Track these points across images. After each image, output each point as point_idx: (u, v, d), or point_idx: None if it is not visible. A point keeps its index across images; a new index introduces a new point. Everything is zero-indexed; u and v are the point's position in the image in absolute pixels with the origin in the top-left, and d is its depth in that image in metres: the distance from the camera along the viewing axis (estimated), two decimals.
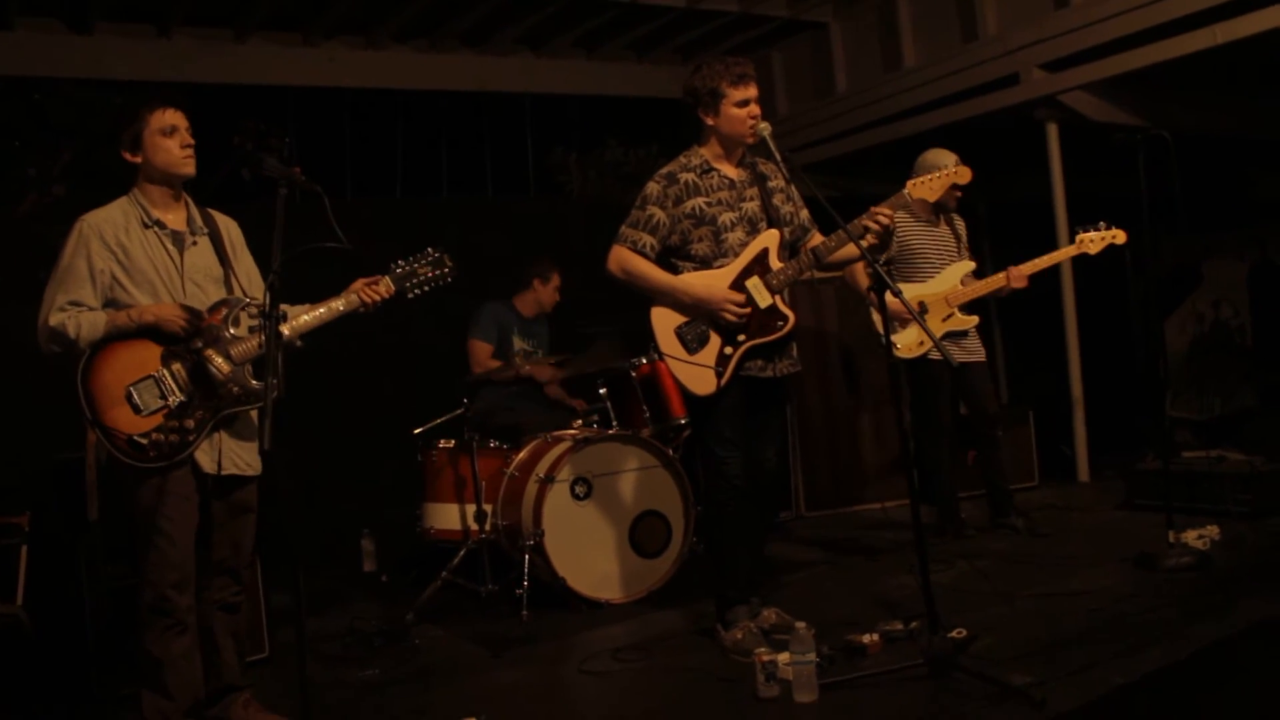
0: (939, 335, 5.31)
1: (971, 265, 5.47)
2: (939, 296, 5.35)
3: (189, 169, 3.41)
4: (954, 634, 3.60)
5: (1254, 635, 3.68)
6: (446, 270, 3.66)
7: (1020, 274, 5.26)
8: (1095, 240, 5.10)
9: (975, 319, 5.41)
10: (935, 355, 5.22)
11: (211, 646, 3.46)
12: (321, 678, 4.00)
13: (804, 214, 4.18)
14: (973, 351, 5.46)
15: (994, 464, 5.61)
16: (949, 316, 5.35)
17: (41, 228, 5.23)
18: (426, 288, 3.64)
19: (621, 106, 8.76)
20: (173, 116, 3.37)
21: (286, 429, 2.78)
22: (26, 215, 6.67)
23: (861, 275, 5.31)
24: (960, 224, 5.61)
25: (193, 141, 3.40)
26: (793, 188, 4.16)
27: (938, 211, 5.48)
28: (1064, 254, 5.30)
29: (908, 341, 5.29)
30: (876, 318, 5.27)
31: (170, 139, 3.36)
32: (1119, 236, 5.08)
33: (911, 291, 5.35)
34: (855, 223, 3.78)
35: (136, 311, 3.27)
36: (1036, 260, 5.30)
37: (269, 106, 7.53)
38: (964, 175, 4.04)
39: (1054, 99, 6.59)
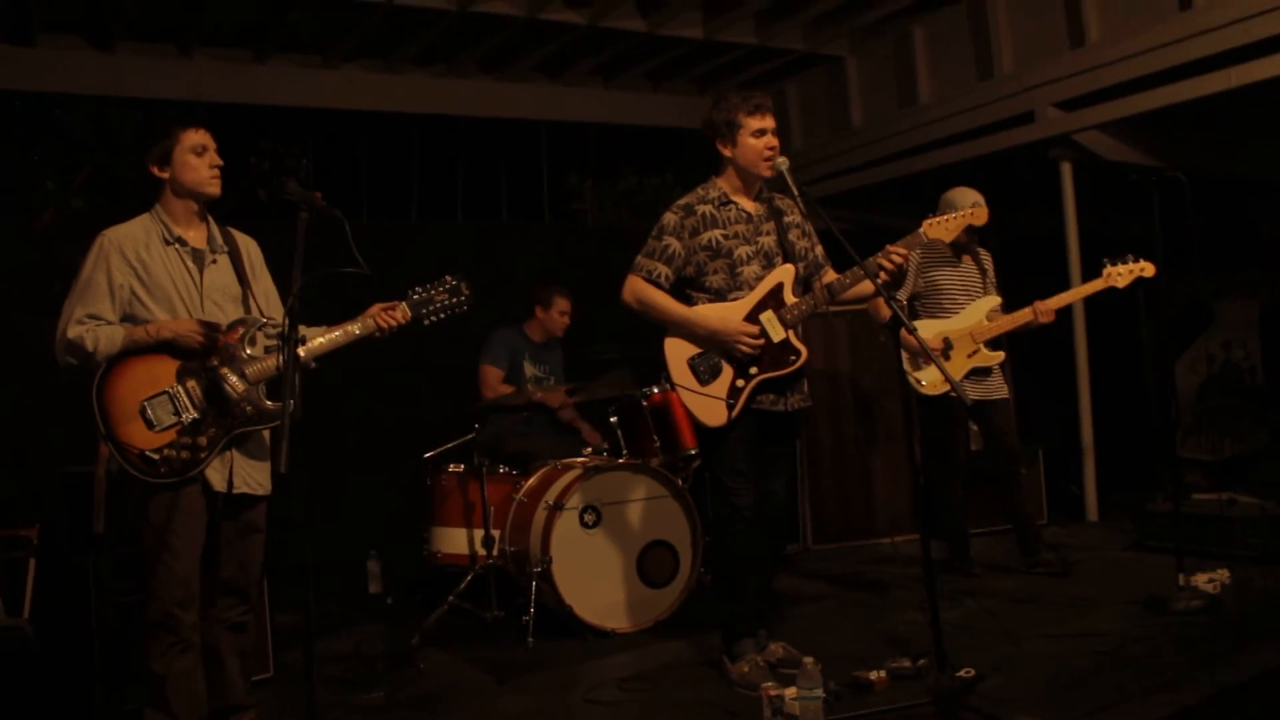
0: (964, 371, 5.29)
1: (997, 300, 5.42)
2: (964, 332, 5.31)
3: (215, 189, 3.44)
4: (962, 673, 3.58)
5: (1265, 681, 3.65)
6: (464, 298, 3.67)
7: (1047, 308, 5.17)
8: (1124, 274, 4.99)
9: (1001, 355, 5.36)
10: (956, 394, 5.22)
11: (217, 665, 3.45)
12: (325, 700, 3.98)
13: (819, 250, 4.20)
14: (995, 389, 5.42)
15: (1017, 502, 5.52)
16: (974, 353, 5.30)
17: (59, 242, 5.26)
18: (443, 315, 3.65)
19: (637, 135, 8.81)
20: (203, 136, 3.42)
21: (297, 450, 2.78)
22: (44, 229, 6.70)
23: (884, 309, 5.30)
24: (987, 258, 5.57)
25: (220, 163, 3.45)
26: (809, 224, 4.18)
27: (958, 251, 5.44)
28: (1091, 288, 5.14)
29: (934, 378, 5.23)
30: (902, 354, 5.29)
31: (200, 158, 3.40)
32: (1148, 269, 4.97)
33: (936, 328, 5.32)
34: (870, 260, 3.79)
35: (155, 327, 3.29)
36: (1063, 295, 5.24)
37: (286, 127, 7.57)
38: (980, 217, 4.04)
39: (1069, 138, 6.61)
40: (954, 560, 5.51)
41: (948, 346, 5.29)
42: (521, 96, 8.14)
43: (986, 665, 3.76)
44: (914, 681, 3.72)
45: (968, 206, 5.13)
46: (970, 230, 5.21)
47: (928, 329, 5.33)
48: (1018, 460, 5.51)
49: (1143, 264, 4.99)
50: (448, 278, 3.67)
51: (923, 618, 3.77)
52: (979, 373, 5.34)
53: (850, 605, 5.15)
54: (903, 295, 5.33)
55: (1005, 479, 5.54)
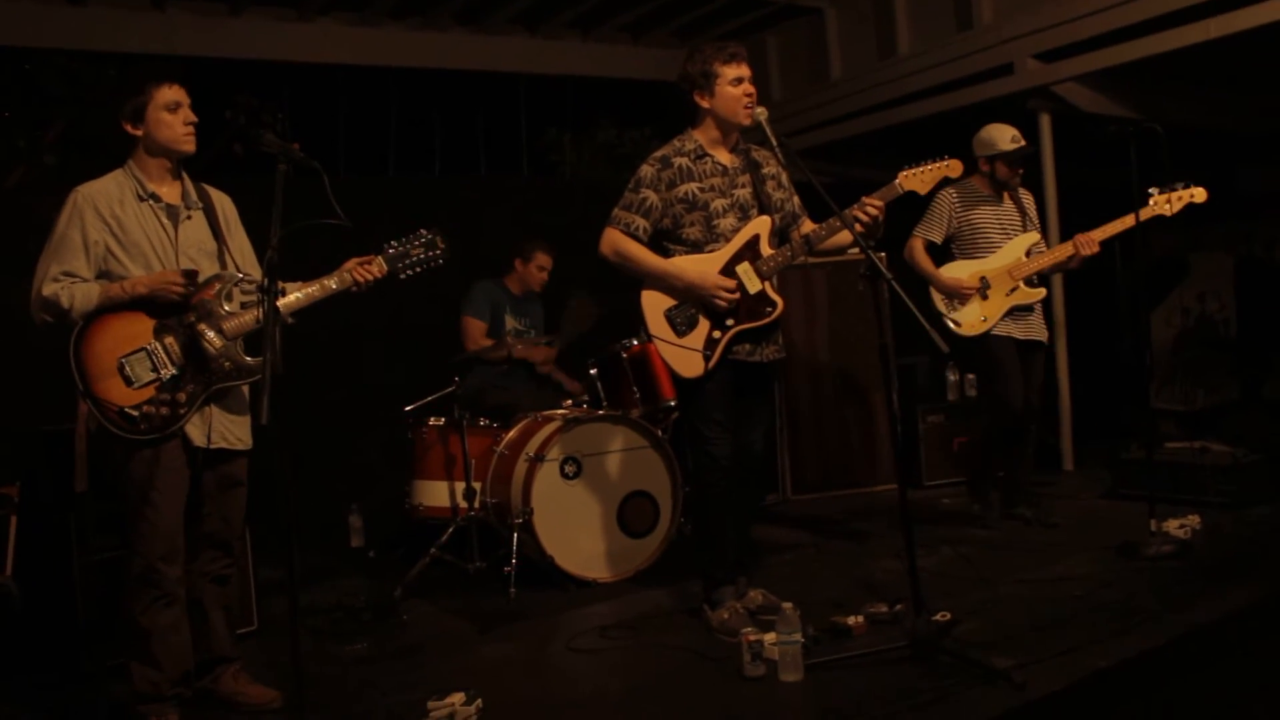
0: (1003, 310, 5.15)
1: (1037, 237, 5.28)
2: (1002, 270, 5.17)
3: (190, 146, 3.42)
4: (938, 617, 3.65)
5: (1232, 622, 3.73)
6: (439, 252, 3.67)
7: (1090, 239, 4.97)
8: (1172, 200, 4.84)
9: (1042, 292, 5.22)
10: (1000, 331, 5.15)
11: (202, 618, 3.48)
12: (309, 651, 4.01)
13: (795, 201, 4.20)
14: (1036, 330, 5.28)
15: (1018, 455, 5.40)
16: (1013, 290, 5.16)
17: (31, 199, 5.22)
18: (419, 269, 3.64)
19: (616, 88, 8.75)
20: (178, 92, 3.39)
21: (278, 404, 2.79)
22: (16, 186, 6.63)
23: (920, 253, 5.29)
24: (1028, 198, 5.42)
25: (195, 119, 3.42)
26: (785, 175, 4.18)
27: (999, 189, 5.29)
28: (1142, 214, 4.86)
29: (970, 319, 5.17)
30: (936, 296, 5.26)
31: (174, 114, 3.37)
32: (1198, 195, 4.81)
33: (973, 267, 5.22)
34: (847, 211, 3.80)
35: (130, 283, 3.27)
36: (1107, 225, 4.97)
37: (262, 82, 7.50)
38: (955, 169, 3.98)
39: (1047, 89, 6.61)
40: (982, 507, 5.49)
41: (985, 285, 5.17)
42: (499, 49, 8.06)
43: (962, 610, 3.83)
44: (891, 626, 3.79)
45: (1006, 141, 5.16)
46: (1011, 167, 5.19)
47: (964, 269, 5.24)
48: (1033, 416, 5.34)
49: (1193, 190, 4.84)
50: (423, 231, 3.66)
51: (900, 565, 3.83)
52: (1020, 310, 5.20)
53: (828, 554, 5.22)
54: (938, 237, 5.29)
55: (1015, 431, 5.36)
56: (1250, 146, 8.09)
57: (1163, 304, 8.95)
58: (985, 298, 5.18)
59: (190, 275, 3.32)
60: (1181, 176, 4.83)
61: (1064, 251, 5.09)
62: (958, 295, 5.20)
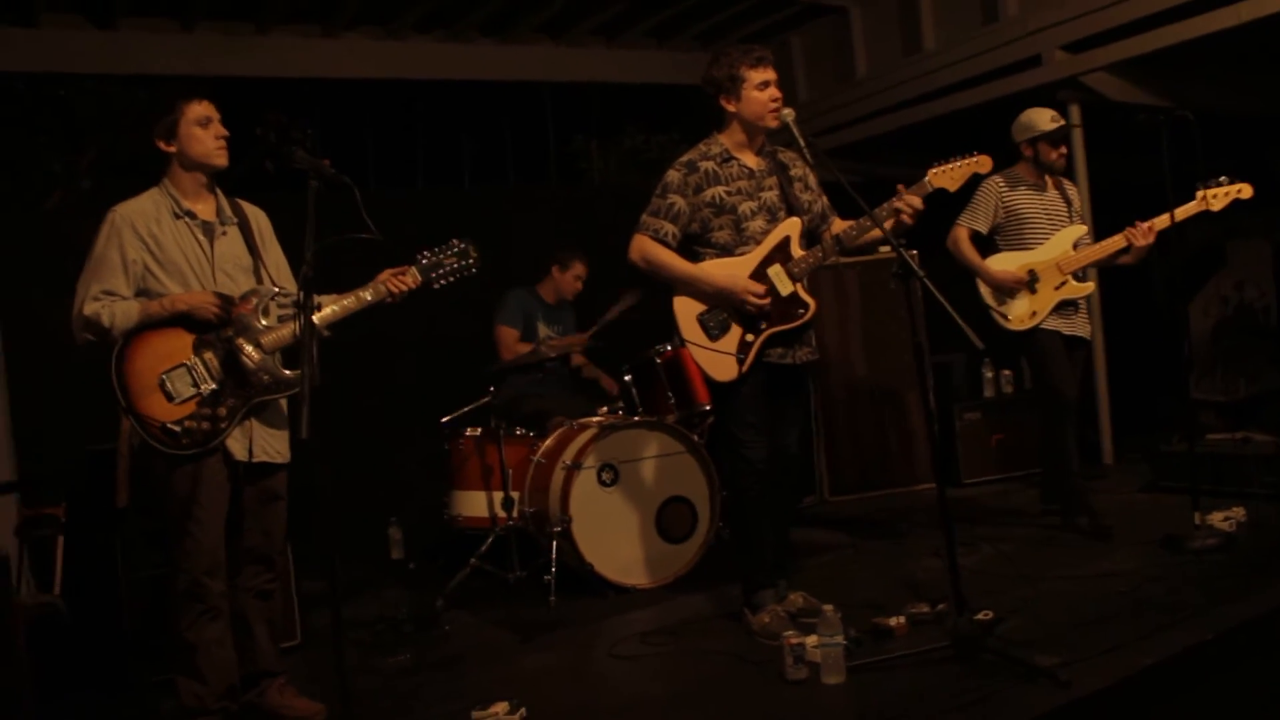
0: (1052, 305, 5.01)
1: (1084, 229, 5.14)
2: (1050, 263, 5.02)
3: (222, 160, 3.47)
4: (980, 616, 3.62)
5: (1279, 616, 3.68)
6: (472, 261, 3.69)
7: (1150, 228, 4.82)
8: (1219, 196, 4.76)
9: (1090, 287, 5.09)
10: (1048, 325, 5.01)
11: (246, 632, 3.52)
12: (354, 664, 4.04)
13: (823, 201, 4.19)
14: (1081, 326, 5.14)
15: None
16: (1062, 284, 5.01)
17: (69, 222, 5.29)
18: (452, 278, 3.67)
19: (641, 94, 8.76)
20: (207, 108, 3.44)
21: (315, 418, 2.82)
22: (54, 210, 6.74)
23: (965, 244, 5.15)
24: (1072, 189, 5.30)
25: (226, 133, 3.47)
26: (812, 176, 4.17)
27: (1043, 175, 5.16)
28: (1185, 211, 4.81)
29: (1019, 313, 5.04)
30: (984, 289, 5.12)
31: (205, 129, 3.42)
32: (1245, 191, 4.75)
33: (1020, 259, 5.08)
34: (884, 205, 3.80)
35: (169, 300, 3.32)
36: (1155, 220, 4.83)
37: (291, 99, 7.57)
38: (985, 164, 3.96)
39: (1076, 80, 6.55)
40: (1068, 513, 5.14)
41: (1033, 279, 5.03)
42: (524, 59, 8.09)
43: (1004, 608, 3.80)
44: (933, 626, 3.76)
45: (1046, 122, 5.05)
46: (1055, 146, 5.06)
47: (1010, 261, 5.10)
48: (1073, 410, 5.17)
49: (1239, 185, 4.77)
50: (455, 241, 3.69)
51: (940, 564, 3.80)
52: (1066, 305, 5.06)
53: (868, 554, 5.19)
54: (983, 227, 5.14)
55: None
56: None
57: (1200, 293, 8.84)
58: (1034, 291, 5.04)
59: (226, 299, 3.37)
60: (1214, 164, 4.76)
61: (1114, 244, 4.92)
62: (1006, 289, 5.07)
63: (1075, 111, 6.74)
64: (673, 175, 4.03)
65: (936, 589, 4.03)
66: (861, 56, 8.10)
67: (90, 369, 3.36)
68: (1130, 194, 5.14)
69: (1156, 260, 5.09)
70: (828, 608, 3.43)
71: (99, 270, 3.32)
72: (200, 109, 3.43)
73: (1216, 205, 4.80)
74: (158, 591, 3.90)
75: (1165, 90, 6.68)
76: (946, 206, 4.79)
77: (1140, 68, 6.48)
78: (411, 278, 3.58)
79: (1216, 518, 4.71)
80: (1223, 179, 4.78)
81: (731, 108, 4.00)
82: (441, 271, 3.64)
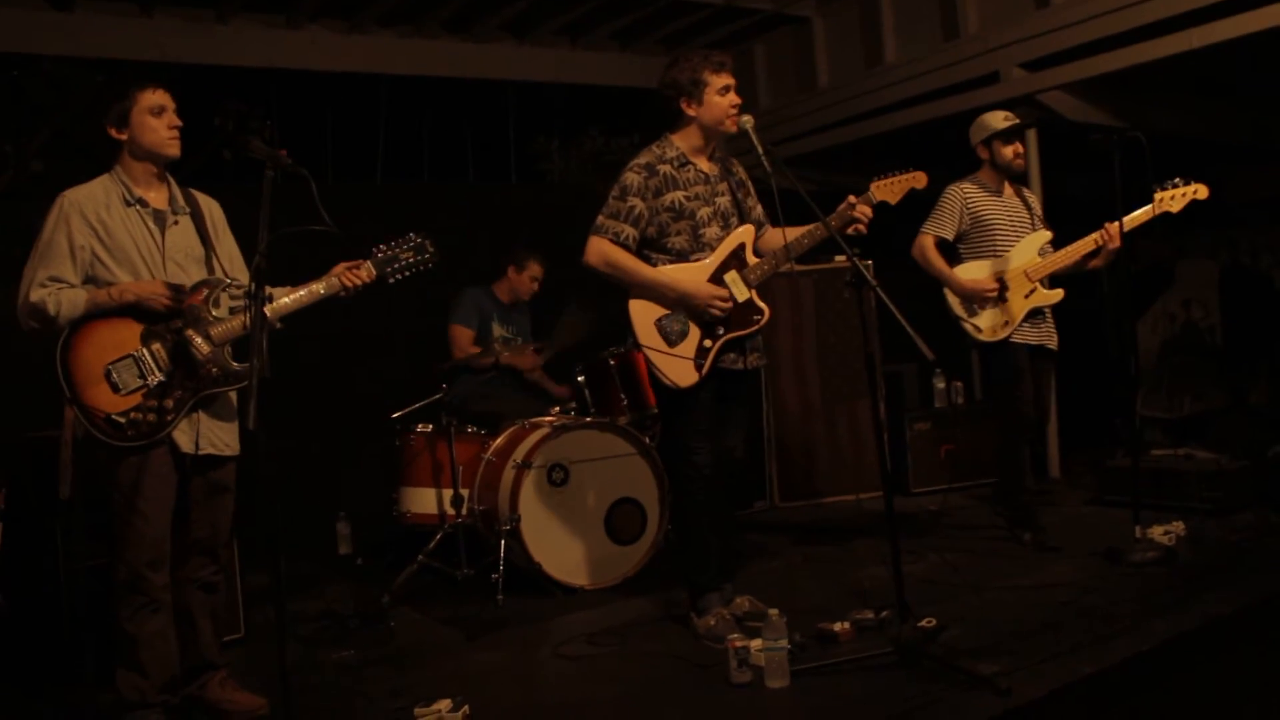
0: (1022, 314, 4.92)
1: (1048, 236, 5.05)
2: (1018, 271, 4.95)
3: (174, 150, 3.42)
4: (924, 623, 3.67)
5: (1216, 627, 3.76)
6: (428, 256, 3.68)
7: (1113, 232, 4.77)
8: (1176, 198, 4.74)
9: (1060, 294, 4.97)
10: (1018, 338, 4.94)
11: (189, 625, 3.48)
12: (297, 659, 4.01)
13: (758, 210, 4.22)
14: (1048, 336, 5.08)
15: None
16: (1031, 292, 4.93)
17: (18, 205, 5.21)
18: (408, 272, 3.66)
19: (604, 96, 8.75)
20: (162, 97, 3.39)
21: (265, 410, 2.79)
22: (3, 193, 6.61)
23: (932, 251, 5.04)
24: (1031, 195, 5.26)
25: (179, 123, 3.42)
26: (749, 184, 4.20)
27: (1003, 180, 5.12)
28: (1145, 214, 4.79)
29: (990, 324, 4.96)
30: (952, 299, 5.04)
31: (158, 119, 3.37)
32: (1201, 192, 4.73)
33: (989, 268, 5.00)
34: (840, 210, 3.85)
35: (118, 290, 3.27)
36: (1131, 216, 4.78)
37: (250, 88, 7.48)
38: (920, 180, 3.96)
39: (1033, 98, 6.65)
40: (1015, 525, 5.14)
41: (1003, 287, 4.95)
42: (487, 57, 8.06)
43: (948, 616, 3.85)
44: (877, 632, 3.80)
45: (999, 120, 5.02)
46: (1009, 143, 5.01)
47: (979, 270, 5.01)
48: (1045, 422, 5.09)
49: (1195, 186, 4.74)
50: (412, 235, 3.68)
51: (886, 571, 3.84)
52: (1035, 315, 5.00)
53: (815, 560, 5.23)
54: (949, 234, 5.05)
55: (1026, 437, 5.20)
56: (1234, 154, 8.15)
57: (1148, 311, 9.00)
58: (1004, 299, 4.96)
59: (177, 290, 3.33)
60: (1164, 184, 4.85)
61: (1086, 245, 4.86)
62: (977, 299, 4.98)
63: (1031, 129, 6.84)
64: (631, 177, 4.01)
65: (882, 596, 4.07)
66: (823, 67, 8.17)
67: (34, 353, 3.32)
68: (1081, 210, 5.21)
69: (1106, 277, 5.16)
70: (773, 612, 3.45)
71: (46, 256, 3.27)
72: (154, 97, 3.38)
73: (1175, 206, 4.77)
74: (99, 583, 3.83)
75: (1119, 110, 6.80)
76: (907, 220, 4.83)
77: (1096, 88, 6.60)
78: (366, 272, 3.57)
79: (1157, 531, 4.81)
80: (1177, 180, 4.78)
81: (692, 111, 4.01)
82: (397, 266, 3.63)
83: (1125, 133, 4.69)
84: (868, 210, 3.87)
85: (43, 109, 6.89)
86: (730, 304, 3.94)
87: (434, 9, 7.45)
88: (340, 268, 3.54)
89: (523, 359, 5.83)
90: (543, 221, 6.95)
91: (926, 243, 5.08)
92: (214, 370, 3.37)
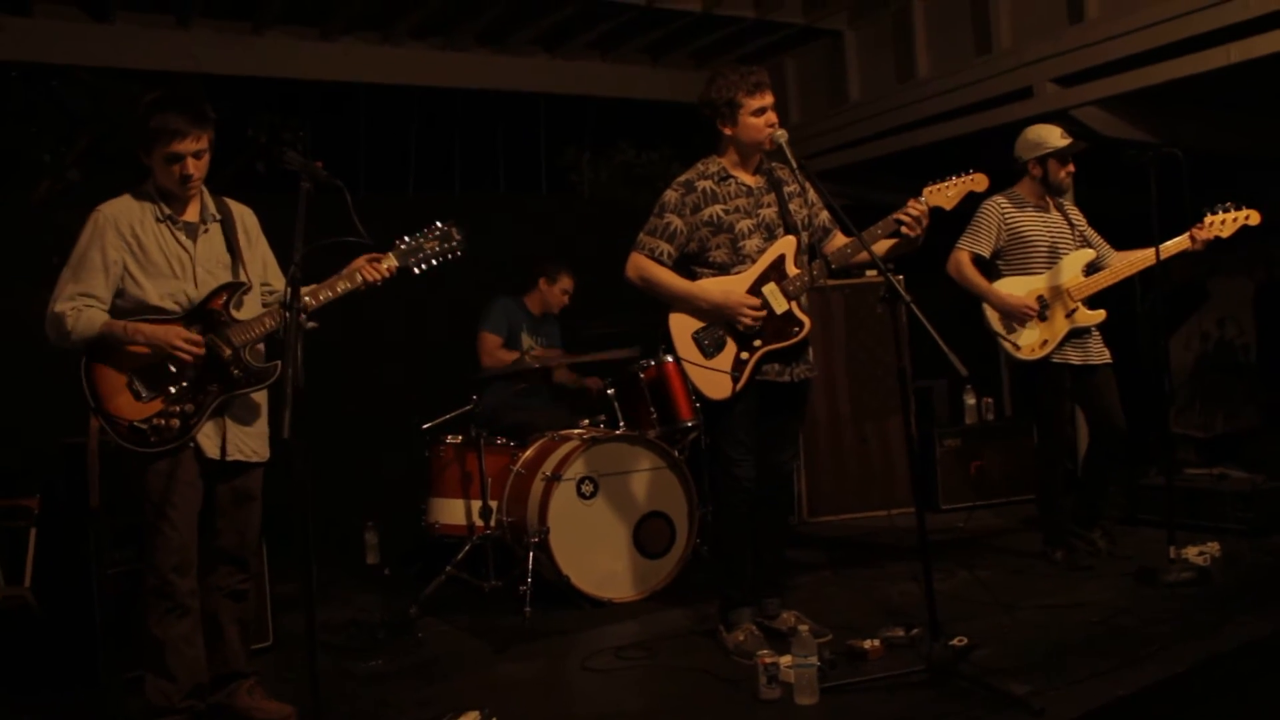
0: (1063, 333, 4.80)
1: (1092, 254, 4.93)
2: (1060, 289, 4.83)
3: (187, 195, 3.41)
4: (955, 641, 3.63)
5: (1250, 651, 3.70)
6: (455, 243, 3.62)
7: (1172, 249, 4.68)
8: (1227, 223, 4.65)
9: (1102, 314, 4.85)
10: (1058, 358, 4.83)
11: (217, 633, 3.49)
12: (325, 667, 4.00)
13: (823, 215, 4.18)
14: (1096, 353, 4.93)
15: (1103, 479, 5.08)
16: (1073, 312, 4.82)
17: (56, 213, 5.27)
18: (434, 261, 3.60)
19: (635, 109, 8.79)
20: (180, 144, 3.29)
21: (298, 418, 2.80)
22: (42, 201, 6.70)
23: (968, 267, 4.93)
24: (1074, 210, 5.10)
25: (194, 174, 3.35)
26: (810, 191, 4.18)
27: (1045, 195, 4.99)
28: (1196, 243, 4.72)
29: (1029, 342, 4.84)
30: (992, 315, 4.93)
31: (171, 167, 3.32)
32: (1254, 217, 4.65)
33: (1028, 285, 4.87)
34: (882, 221, 3.80)
35: (133, 328, 3.27)
36: (1167, 244, 4.70)
37: (285, 100, 7.56)
38: (980, 183, 3.95)
39: (1067, 113, 6.60)
40: (1051, 545, 5.01)
41: (1043, 306, 4.82)
42: (519, 69, 8.11)
43: (980, 634, 3.81)
44: (908, 650, 3.76)
45: (1056, 138, 4.91)
46: (1064, 164, 4.91)
47: (1019, 287, 4.88)
48: (1121, 441, 4.92)
49: (1246, 212, 4.67)
50: (437, 224, 3.63)
51: (917, 588, 3.81)
52: (1078, 334, 4.85)
53: (845, 577, 5.18)
54: (986, 250, 4.92)
55: (1099, 460, 5.06)
56: (1272, 171, 8.06)
57: (1182, 328, 8.90)
58: (1044, 318, 4.84)
59: (196, 341, 3.30)
60: (1201, 201, 4.80)
61: (1133, 268, 4.77)
62: (1017, 317, 4.86)
63: None
64: (670, 195, 4.04)
65: (912, 613, 4.04)
66: (855, 81, 8.15)
67: (66, 360, 3.34)
68: (1115, 227, 5.16)
69: (1139, 294, 5.09)
70: (803, 627, 3.43)
71: (78, 270, 3.30)
72: (171, 147, 3.27)
73: (1226, 231, 4.69)
74: (130, 587, 3.87)
75: (1153, 126, 6.75)
76: (944, 232, 4.78)
77: (1130, 104, 6.54)
78: (388, 264, 3.51)
79: (1191, 552, 4.74)
80: (1229, 204, 4.70)
81: (728, 131, 4.00)
82: (422, 255, 3.57)
83: (1162, 149, 4.65)
84: (921, 208, 3.80)
85: (80, 119, 6.99)
86: (763, 313, 3.92)
87: (467, 22, 7.50)
88: (361, 260, 3.48)
89: (552, 359, 5.80)
90: (572, 233, 6.98)
91: (963, 259, 4.97)
92: (236, 372, 3.38)
